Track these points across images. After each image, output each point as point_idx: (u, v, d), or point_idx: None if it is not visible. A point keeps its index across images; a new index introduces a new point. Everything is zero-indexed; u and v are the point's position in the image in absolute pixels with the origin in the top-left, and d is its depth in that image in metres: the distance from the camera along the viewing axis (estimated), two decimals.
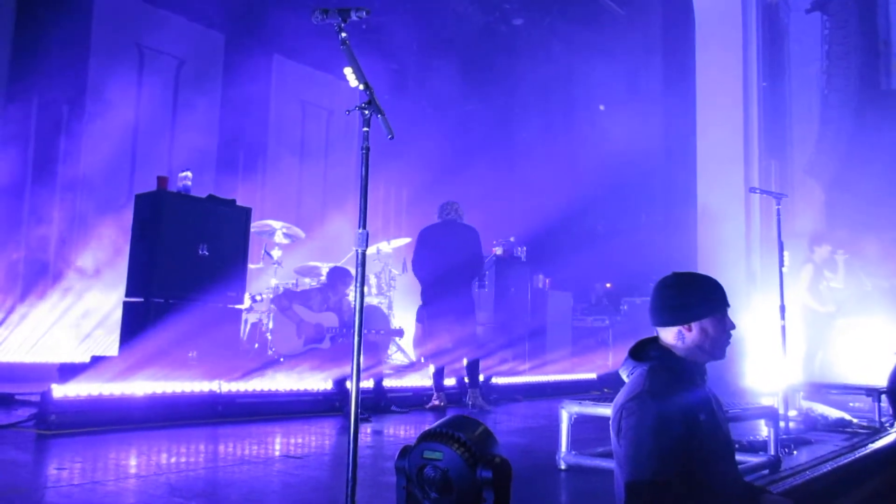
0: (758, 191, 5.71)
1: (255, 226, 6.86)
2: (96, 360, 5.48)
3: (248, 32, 9.70)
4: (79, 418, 4.45)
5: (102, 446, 4.05)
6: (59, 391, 4.44)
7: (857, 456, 4.74)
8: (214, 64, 9.65)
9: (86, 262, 6.81)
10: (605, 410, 3.45)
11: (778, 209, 5.34)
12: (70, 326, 7.17)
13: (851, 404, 6.65)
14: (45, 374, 6.08)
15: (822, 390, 6.75)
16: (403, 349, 8.39)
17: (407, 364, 8.15)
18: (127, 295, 5.70)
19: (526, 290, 9.07)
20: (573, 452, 3.73)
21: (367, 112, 2.50)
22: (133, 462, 3.74)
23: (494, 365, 7.97)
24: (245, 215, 6.28)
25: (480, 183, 10.34)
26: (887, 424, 5.86)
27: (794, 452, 4.51)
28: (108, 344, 6.94)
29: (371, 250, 8.32)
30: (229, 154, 9.47)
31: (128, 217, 5.98)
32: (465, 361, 6.44)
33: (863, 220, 9.31)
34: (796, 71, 11.35)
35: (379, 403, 5.90)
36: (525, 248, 9.28)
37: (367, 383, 5.89)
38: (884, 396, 5.93)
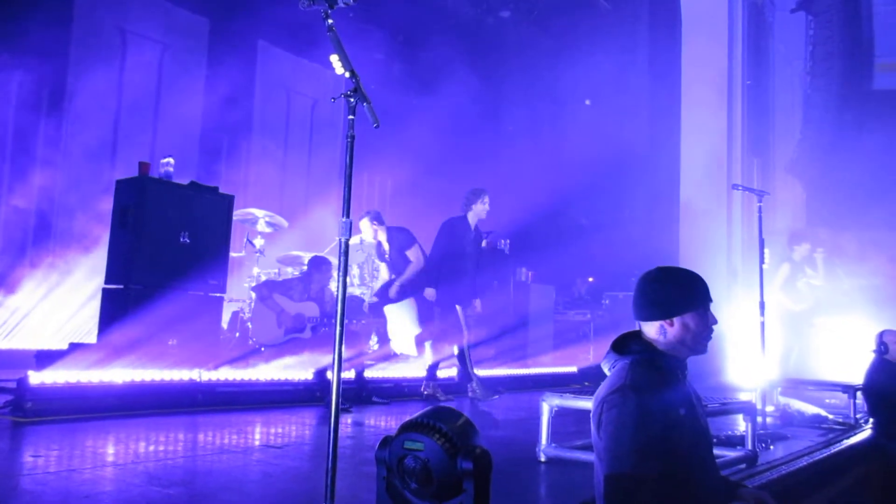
0: (740, 188, 5.75)
1: (237, 214, 6.81)
2: (74, 347, 5.41)
3: (233, 18, 9.60)
4: (56, 406, 4.40)
5: (79, 434, 4.00)
6: (36, 378, 4.38)
7: (832, 451, 4.80)
8: (199, 49, 9.54)
9: (65, 248, 6.72)
10: (586, 403, 3.47)
11: (759, 206, 5.38)
12: (48, 313, 7.08)
13: (828, 401, 6.74)
14: (22, 360, 6.01)
15: (799, 387, 6.84)
16: (385, 340, 8.37)
17: (389, 355, 8.14)
18: (106, 282, 5.64)
19: (509, 283, 9.09)
20: (553, 445, 3.74)
21: (352, 100, 2.49)
22: (110, 450, 3.71)
23: (476, 357, 7.99)
24: (227, 203, 6.22)
25: (465, 175, 10.32)
26: (862, 421, 5.95)
27: (771, 447, 4.57)
28: (87, 331, 6.86)
29: (354, 241, 8.29)
30: (212, 141, 9.38)
31: (108, 203, 5.91)
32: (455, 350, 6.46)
33: (843, 218, 9.43)
34: (780, 70, 11.45)
35: (360, 394, 5.89)
36: (508, 241, 9.29)
37: (349, 374, 5.88)
38: (859, 393, 6.02)
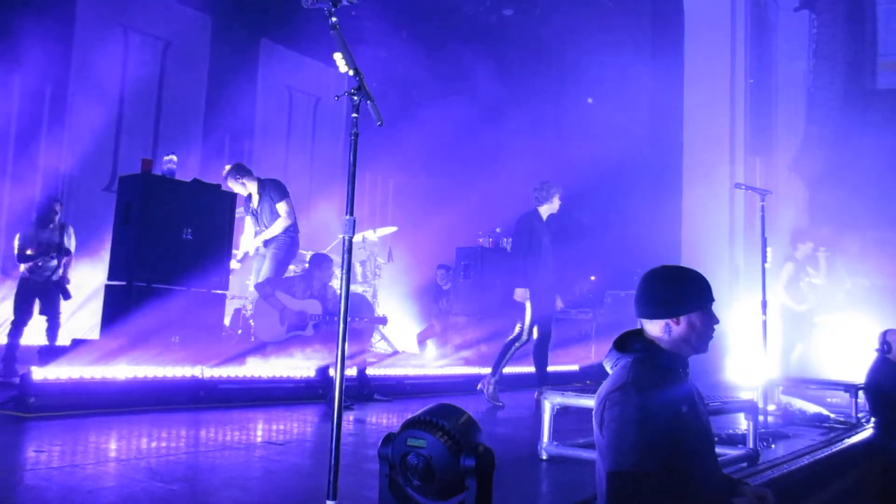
0: (743, 187, 5.75)
1: (239, 211, 6.81)
2: (77, 344, 5.42)
3: (236, 16, 9.61)
4: (59, 401, 4.41)
5: (82, 430, 4.01)
6: (39, 374, 4.40)
7: (833, 451, 4.81)
8: (201, 47, 9.55)
9: (68, 244, 6.73)
10: (587, 401, 3.48)
11: (762, 205, 5.39)
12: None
13: (829, 400, 6.74)
14: (25, 356, 6.03)
15: (800, 385, 6.84)
16: (387, 337, 8.39)
17: (390, 353, 8.16)
18: (109, 278, 5.65)
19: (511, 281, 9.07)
20: (555, 443, 3.75)
21: (356, 98, 2.49)
22: (113, 446, 3.72)
23: (479, 355, 7.99)
24: (230, 200, 6.23)
25: (467, 173, 10.33)
26: (864, 420, 5.94)
27: (773, 446, 4.57)
28: (90, 327, 6.87)
29: (357, 238, 8.30)
30: (215, 138, 9.39)
31: (111, 200, 5.91)
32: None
33: (845, 218, 9.41)
34: (783, 68, 11.43)
35: (362, 391, 5.90)
36: (511, 240, 9.28)
37: (351, 371, 5.89)
38: (861, 393, 6.01)
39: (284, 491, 3.00)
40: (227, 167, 6.75)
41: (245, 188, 6.72)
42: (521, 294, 6.15)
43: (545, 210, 6.32)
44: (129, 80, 8.71)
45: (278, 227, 6.65)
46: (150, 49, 9.05)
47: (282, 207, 6.65)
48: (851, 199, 9.35)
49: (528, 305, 6.12)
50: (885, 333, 5.90)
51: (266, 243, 6.67)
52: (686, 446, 2.06)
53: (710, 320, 2.24)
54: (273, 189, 6.71)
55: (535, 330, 6.23)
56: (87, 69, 8.12)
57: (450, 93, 10.51)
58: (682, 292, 2.23)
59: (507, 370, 7.92)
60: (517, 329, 6.17)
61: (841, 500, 4.68)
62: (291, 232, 6.71)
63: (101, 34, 8.42)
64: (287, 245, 6.67)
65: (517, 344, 6.15)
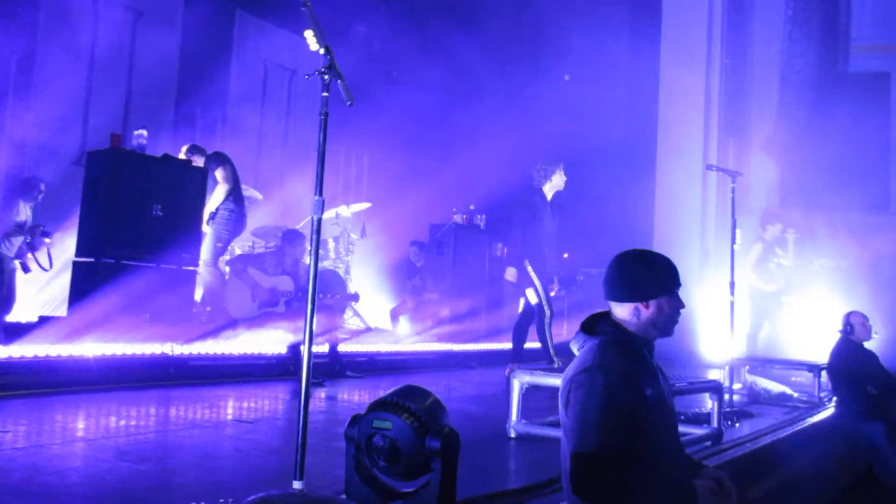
0: (714, 168, 5.81)
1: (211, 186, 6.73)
2: (44, 321, 5.35)
3: None
4: (25, 380, 4.36)
5: (49, 409, 3.97)
6: (4, 352, 4.34)
7: (796, 429, 4.93)
8: (173, 18, 9.32)
9: (34, 220, 6.60)
10: (556, 381, 3.50)
11: (733, 187, 5.44)
12: (17, 285, 6.96)
13: (794, 379, 6.88)
14: None
15: (766, 365, 6.98)
16: (360, 314, 8.39)
17: (363, 329, 8.16)
18: (77, 254, 5.56)
19: (484, 258, 9.11)
20: (523, 421, 3.79)
21: (326, 77, 2.46)
22: (80, 425, 3.69)
23: (451, 332, 8.04)
24: (201, 176, 6.16)
25: (441, 149, 10.29)
26: (826, 399, 6.09)
27: (737, 425, 4.67)
28: (57, 304, 6.77)
29: (330, 214, 8.26)
30: (187, 112, 9.21)
31: (79, 175, 5.80)
32: None
33: (814, 199, 9.55)
34: (759, 50, 11.47)
35: (334, 368, 5.91)
36: (484, 217, 9.30)
37: (323, 348, 5.88)
38: (824, 372, 6.16)
39: (253, 469, 3.01)
40: (184, 147, 6.68)
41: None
42: (511, 273, 6.09)
43: (549, 188, 6.19)
44: (98, 51, 8.49)
45: (216, 196, 6.59)
46: (120, 20, 8.81)
47: (218, 174, 6.61)
48: (820, 182, 9.48)
49: (535, 280, 5.95)
50: (848, 315, 6.04)
51: (208, 220, 6.59)
52: (650, 428, 2.10)
53: (678, 304, 2.27)
54: (212, 160, 6.67)
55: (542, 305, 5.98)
56: (55, 40, 7.89)
57: (426, 68, 10.41)
58: (652, 276, 2.26)
59: (479, 347, 7.99)
60: (546, 312, 5.97)
61: (803, 477, 4.81)
62: (230, 205, 6.63)
63: (68, 4, 8.18)
64: (225, 220, 6.60)
65: (546, 321, 5.97)
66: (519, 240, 6.12)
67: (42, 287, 6.80)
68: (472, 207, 9.15)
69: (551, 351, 5.90)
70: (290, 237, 6.47)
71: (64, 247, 6.54)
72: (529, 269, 5.95)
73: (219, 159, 6.65)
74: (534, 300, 6.02)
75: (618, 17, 11.66)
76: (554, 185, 6.18)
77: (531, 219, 6.06)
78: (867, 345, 6.03)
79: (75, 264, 5.56)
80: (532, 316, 6.15)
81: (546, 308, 5.96)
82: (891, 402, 5.85)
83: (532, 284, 5.99)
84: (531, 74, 12.28)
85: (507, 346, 8.33)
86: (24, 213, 6.49)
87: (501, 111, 11.70)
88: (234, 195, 6.70)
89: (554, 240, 6.18)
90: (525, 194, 6.23)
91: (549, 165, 6.16)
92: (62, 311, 5.85)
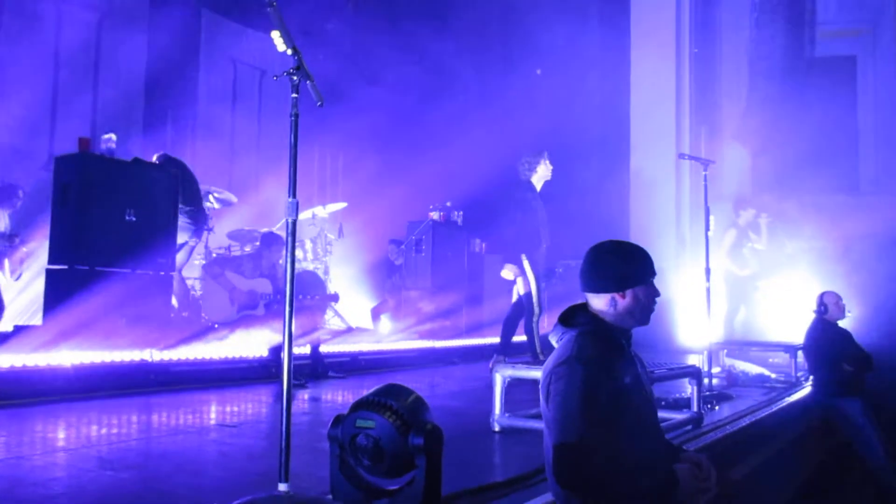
0: (686, 157, 5.86)
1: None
2: (19, 330, 5.27)
3: None
4: (1, 391, 4.29)
5: (28, 419, 3.93)
6: None
7: (774, 409, 5.02)
8: (139, 18, 9.20)
9: (3, 228, 6.50)
10: (538, 374, 3.53)
11: (705, 175, 5.51)
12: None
13: (771, 360, 7.00)
14: None
15: (743, 348, 7.09)
16: (340, 314, 8.37)
17: (344, 329, 8.14)
18: (50, 262, 5.48)
19: (463, 254, 9.13)
20: (507, 415, 3.81)
21: (295, 78, 2.45)
22: (61, 435, 3.65)
23: (432, 329, 8.05)
24: (174, 179, 6.09)
25: (416, 147, 10.28)
26: (803, 379, 6.21)
27: (717, 408, 4.74)
28: (32, 313, 6.67)
29: (306, 215, 8.22)
30: (157, 115, 9.11)
31: (48, 180, 5.71)
32: None
33: (786, 184, 9.68)
34: (727, 38, 11.59)
35: (316, 369, 5.89)
36: (462, 213, 9.32)
37: (304, 349, 5.87)
38: (800, 353, 6.27)
39: (238, 473, 3.00)
40: (155, 156, 6.59)
41: None
42: (509, 271, 6.00)
43: (536, 179, 6.14)
44: (62, 52, 8.36)
45: None
46: (85, 21, 8.68)
47: None
48: (791, 166, 9.62)
49: (530, 275, 5.89)
50: (822, 295, 6.14)
51: None
52: (630, 416, 2.12)
53: (653, 293, 2.30)
54: (171, 166, 6.55)
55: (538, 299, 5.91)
56: (18, 42, 7.76)
57: (398, 66, 10.40)
58: (628, 266, 2.28)
59: (460, 343, 8.01)
60: (535, 310, 5.90)
61: (782, 456, 4.90)
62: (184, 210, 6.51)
63: (30, 7, 8.04)
64: (181, 228, 6.44)
65: (535, 318, 5.91)
66: (512, 235, 6.05)
67: (14, 297, 6.69)
68: (448, 204, 9.16)
69: (537, 348, 5.87)
70: (268, 240, 6.44)
71: (36, 255, 6.45)
72: (526, 263, 5.90)
73: (174, 164, 6.55)
74: (523, 292, 5.97)
75: (587, 10, 11.72)
76: (541, 175, 6.14)
77: (522, 212, 6.02)
78: (841, 323, 6.14)
79: (48, 272, 5.48)
80: (523, 309, 6.07)
81: (536, 306, 5.90)
82: (865, 378, 5.97)
83: (525, 278, 5.93)
84: (503, 70, 12.29)
85: (489, 340, 8.41)
86: (3, 220, 6.37)
87: (475, 107, 11.71)
88: (189, 200, 6.54)
89: (546, 232, 6.12)
90: (512, 189, 6.18)
91: (534, 157, 6.12)
92: (37, 320, 5.77)
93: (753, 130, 10.48)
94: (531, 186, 6.12)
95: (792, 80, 10.75)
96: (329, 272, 8.25)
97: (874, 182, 10.57)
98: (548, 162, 6.15)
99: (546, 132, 9.79)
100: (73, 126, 7.68)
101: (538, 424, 3.53)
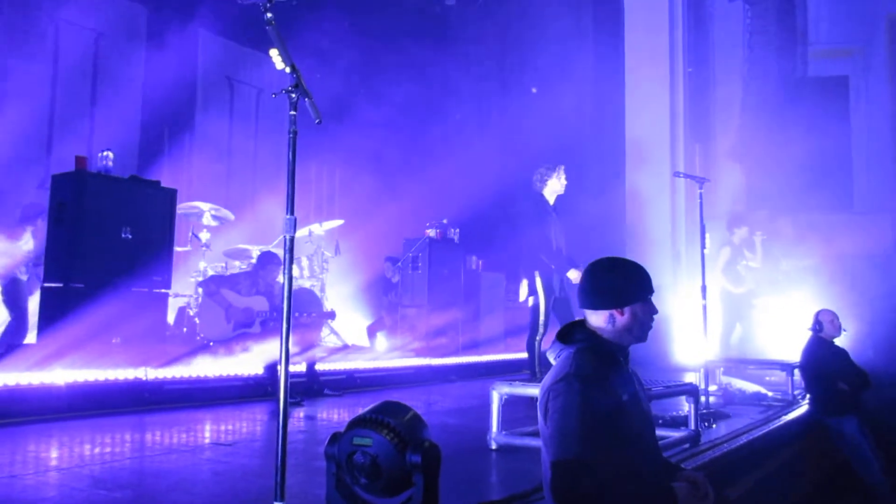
0: (682, 175, 5.89)
1: (181, 208, 6.66)
2: (13, 348, 5.25)
3: (171, 6, 9.34)
4: None
5: (21, 438, 3.89)
6: None
7: (771, 428, 5.00)
8: (136, 38, 9.24)
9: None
10: (534, 391, 3.53)
11: (700, 193, 5.53)
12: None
13: (767, 378, 6.99)
14: None
15: (740, 366, 7.08)
16: (336, 332, 8.34)
17: (340, 347, 8.11)
18: (45, 280, 5.47)
19: (459, 271, 9.12)
20: (504, 432, 3.80)
21: (294, 95, 2.46)
22: (54, 454, 3.62)
23: (429, 347, 8.03)
24: (170, 197, 6.08)
25: (413, 165, 10.32)
26: (800, 397, 6.19)
27: (714, 426, 4.72)
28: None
29: (303, 232, 8.22)
30: (153, 133, 9.13)
31: (45, 199, 5.71)
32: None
33: (780, 202, 9.74)
34: (720, 58, 11.72)
35: (312, 387, 5.86)
36: (458, 231, 9.32)
37: (300, 367, 5.84)
38: (797, 371, 6.26)
39: (233, 493, 2.97)
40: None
41: None
42: (525, 290, 5.90)
43: (549, 193, 6.04)
44: (60, 73, 8.40)
45: None
46: (81, 41, 8.72)
47: None
48: (785, 184, 9.68)
49: (540, 294, 5.78)
50: (818, 313, 6.15)
51: None
52: (628, 433, 2.12)
53: (651, 310, 2.31)
54: None
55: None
56: (14, 63, 7.79)
57: (395, 83, 10.45)
58: (626, 283, 2.29)
59: (456, 360, 7.99)
60: (539, 329, 5.78)
61: (780, 474, 4.88)
62: None
63: (26, 28, 8.08)
64: None
65: (538, 338, 5.80)
66: (526, 250, 5.96)
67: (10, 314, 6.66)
68: (445, 221, 9.16)
69: (536, 367, 5.79)
70: (264, 260, 6.43)
71: (32, 272, 6.43)
72: (538, 281, 5.79)
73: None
74: (531, 303, 5.86)
75: (582, 31, 11.82)
76: (552, 189, 6.04)
77: (533, 226, 5.94)
78: (837, 341, 6.14)
79: (44, 290, 5.47)
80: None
81: (541, 325, 5.79)
82: (862, 396, 5.96)
83: (536, 295, 5.83)
84: (499, 88, 12.37)
85: (486, 358, 8.39)
86: (29, 240, 6.37)
87: (471, 125, 11.78)
88: None
89: (562, 244, 6.02)
90: (527, 202, 6.11)
91: (547, 170, 6.04)
92: (32, 338, 5.74)
93: (748, 149, 10.56)
94: (542, 199, 6.04)
95: (785, 100, 10.87)
96: (325, 290, 8.23)
97: (868, 200, 10.64)
98: (562, 176, 6.06)
99: (542, 150, 9.84)
100: (71, 144, 7.70)
101: (535, 442, 3.52)
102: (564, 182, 6.10)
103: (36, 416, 4.36)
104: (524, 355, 8.68)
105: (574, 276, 5.79)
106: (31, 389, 4.47)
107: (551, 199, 6.09)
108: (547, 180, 6.03)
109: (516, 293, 10.65)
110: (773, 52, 11.08)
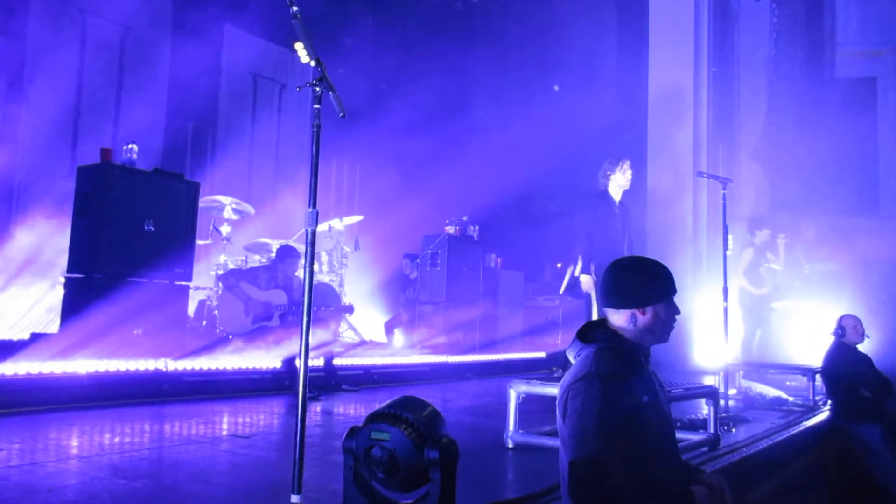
0: (705, 175, 5.82)
1: (203, 201, 6.70)
2: (36, 338, 5.32)
3: (196, 1, 9.41)
4: (17, 398, 4.32)
5: (42, 426, 3.94)
6: None
7: (791, 433, 4.94)
8: (162, 32, 9.33)
9: (25, 236, 6.57)
10: (552, 390, 3.51)
11: (724, 194, 5.46)
12: (8, 302, 6.92)
13: (788, 383, 6.91)
14: None
15: (760, 370, 7.00)
16: (354, 327, 8.37)
17: (358, 342, 8.14)
18: (68, 271, 5.52)
19: (478, 269, 9.11)
20: (520, 431, 3.78)
21: (318, 89, 2.46)
22: (75, 442, 3.66)
23: (446, 344, 8.03)
24: (193, 190, 6.12)
25: (434, 161, 10.31)
26: (821, 403, 6.11)
27: (733, 430, 4.67)
28: (49, 321, 6.73)
29: (323, 227, 8.25)
30: (177, 126, 9.20)
31: (70, 190, 5.78)
32: None
33: (803, 204, 9.62)
34: (745, 57, 11.59)
35: (329, 382, 5.88)
36: (478, 228, 9.31)
37: (318, 361, 5.86)
38: (818, 376, 6.18)
39: (250, 485, 2.99)
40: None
41: None
42: (586, 283, 5.70)
43: (613, 189, 5.91)
44: (87, 66, 8.50)
45: None
46: (108, 34, 8.82)
47: None
48: (809, 187, 9.55)
49: (592, 292, 5.66)
50: (841, 318, 6.07)
51: None
52: (647, 435, 2.10)
53: (673, 311, 2.28)
54: None
55: None
56: (43, 56, 7.89)
57: (417, 80, 10.45)
58: (649, 283, 2.26)
59: (474, 358, 7.98)
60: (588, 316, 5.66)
61: (799, 481, 4.82)
62: None
63: (56, 20, 8.18)
64: None
65: None
66: (585, 246, 5.82)
67: (34, 304, 6.76)
68: (464, 219, 9.16)
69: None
70: (284, 253, 6.45)
71: (55, 263, 6.50)
72: (592, 278, 5.69)
73: None
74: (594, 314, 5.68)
75: (606, 28, 11.75)
76: (617, 183, 5.91)
77: (593, 223, 5.83)
78: (861, 347, 6.05)
79: (67, 280, 5.53)
80: None
81: (594, 318, 5.59)
82: (885, 404, 5.87)
83: (587, 297, 5.72)
84: (522, 86, 12.33)
85: (503, 356, 8.37)
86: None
87: (493, 122, 11.74)
88: None
89: (623, 240, 5.89)
90: (585, 198, 6.01)
91: (610, 164, 5.92)
92: (54, 328, 5.81)
93: (771, 150, 10.43)
94: (605, 194, 5.91)
95: (811, 101, 10.72)
96: (344, 285, 8.26)
97: (894, 204, 10.47)
98: (627, 171, 5.92)
99: (563, 148, 9.81)
100: (96, 136, 7.79)
101: (552, 442, 3.50)
102: (629, 176, 5.96)
103: (58, 405, 4.41)
104: (542, 354, 8.67)
105: (586, 280, 5.76)
106: (54, 378, 4.53)
107: (616, 195, 5.95)
108: (611, 175, 5.91)
109: (533, 291, 10.66)
110: (800, 51, 10.94)
